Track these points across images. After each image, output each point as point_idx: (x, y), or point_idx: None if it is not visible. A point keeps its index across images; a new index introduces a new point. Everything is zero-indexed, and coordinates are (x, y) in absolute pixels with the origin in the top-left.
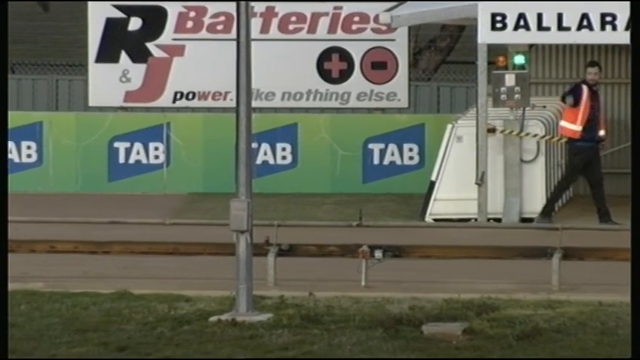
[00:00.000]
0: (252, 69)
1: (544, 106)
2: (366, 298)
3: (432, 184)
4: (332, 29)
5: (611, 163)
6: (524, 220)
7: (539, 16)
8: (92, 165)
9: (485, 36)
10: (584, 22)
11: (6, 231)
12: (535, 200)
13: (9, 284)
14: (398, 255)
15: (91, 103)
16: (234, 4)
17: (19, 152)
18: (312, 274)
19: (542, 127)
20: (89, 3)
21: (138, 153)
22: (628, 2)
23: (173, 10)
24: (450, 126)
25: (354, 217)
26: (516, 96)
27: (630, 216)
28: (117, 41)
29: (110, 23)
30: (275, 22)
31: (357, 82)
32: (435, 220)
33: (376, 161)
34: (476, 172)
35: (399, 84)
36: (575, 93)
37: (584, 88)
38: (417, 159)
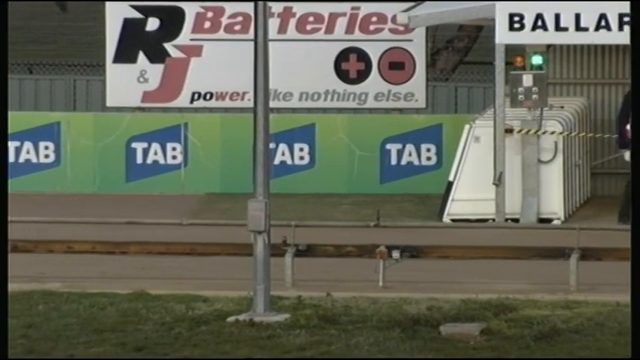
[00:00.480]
0: (270, 69)
1: (562, 107)
2: (383, 298)
3: (450, 184)
4: (350, 29)
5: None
6: (541, 220)
7: (557, 17)
8: (110, 165)
9: (503, 36)
10: (602, 23)
11: (6, 230)
12: (552, 200)
13: (26, 284)
14: (415, 255)
15: (109, 103)
16: (251, 4)
17: (37, 153)
18: (330, 274)
19: (560, 127)
20: (107, 3)
21: (155, 153)
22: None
23: (191, 11)
24: (467, 126)
25: (371, 218)
26: (534, 96)
27: (631, 216)
28: (134, 41)
29: (128, 23)
30: (293, 22)
31: (374, 82)
32: (453, 220)
33: (394, 162)
34: (493, 173)
35: (417, 84)
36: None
37: None
38: (434, 159)
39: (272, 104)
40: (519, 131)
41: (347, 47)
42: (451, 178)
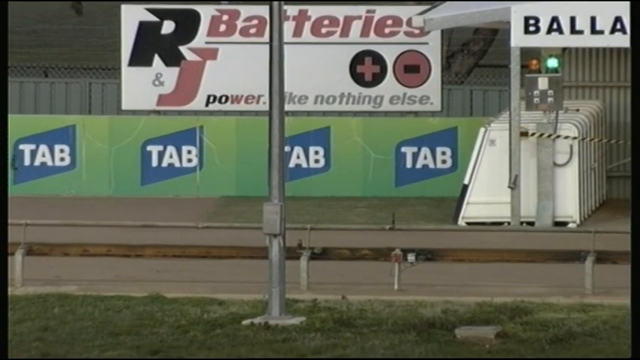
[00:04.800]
0: (285, 72)
1: (577, 110)
2: (398, 301)
3: (465, 187)
4: (365, 32)
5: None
6: (557, 223)
7: (573, 20)
8: (125, 168)
9: (518, 39)
10: (618, 26)
11: (6, 232)
12: (568, 204)
13: (42, 287)
14: (431, 258)
15: (124, 106)
16: (267, 7)
17: (53, 155)
18: (345, 277)
19: (576, 130)
20: (122, 6)
21: (171, 156)
22: None
23: (206, 14)
24: (482, 129)
25: (386, 221)
26: (549, 99)
27: (630, 218)
28: (150, 45)
29: (143, 27)
30: (308, 25)
31: (389, 85)
32: (468, 223)
33: (409, 165)
34: (509, 176)
35: (432, 87)
36: None
37: None
38: (449, 162)
39: (287, 107)
40: (534, 134)
41: (362, 50)
42: (466, 182)
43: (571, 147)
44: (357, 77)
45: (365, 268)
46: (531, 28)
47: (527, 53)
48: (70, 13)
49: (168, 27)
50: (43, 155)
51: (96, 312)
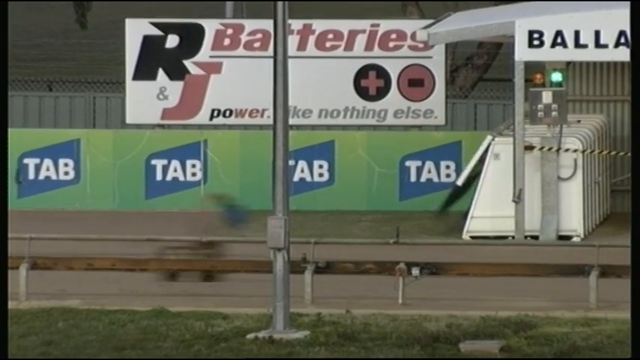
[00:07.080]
0: (289, 86)
1: (578, 121)
2: (402, 315)
3: (456, 188)
4: (369, 46)
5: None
6: (561, 237)
7: (577, 34)
8: (129, 182)
9: (523, 53)
10: (622, 40)
11: (6, 238)
12: (572, 218)
13: (46, 301)
14: (435, 272)
15: (129, 120)
16: (271, 21)
17: (57, 169)
18: (349, 291)
19: (580, 143)
20: (127, 20)
21: (175, 170)
22: None
23: (210, 28)
24: (489, 137)
25: (390, 235)
26: (553, 113)
27: (630, 222)
28: (154, 59)
29: (147, 41)
30: (312, 39)
31: (393, 99)
32: (472, 237)
33: (413, 178)
34: (513, 190)
35: (436, 101)
36: None
37: None
38: (453, 176)
39: (291, 121)
40: (539, 148)
41: (366, 64)
42: (459, 183)
43: (575, 161)
44: (362, 91)
45: (369, 282)
46: (535, 42)
47: (532, 67)
48: (75, 27)
49: (172, 41)
50: (48, 169)
51: (100, 326)
